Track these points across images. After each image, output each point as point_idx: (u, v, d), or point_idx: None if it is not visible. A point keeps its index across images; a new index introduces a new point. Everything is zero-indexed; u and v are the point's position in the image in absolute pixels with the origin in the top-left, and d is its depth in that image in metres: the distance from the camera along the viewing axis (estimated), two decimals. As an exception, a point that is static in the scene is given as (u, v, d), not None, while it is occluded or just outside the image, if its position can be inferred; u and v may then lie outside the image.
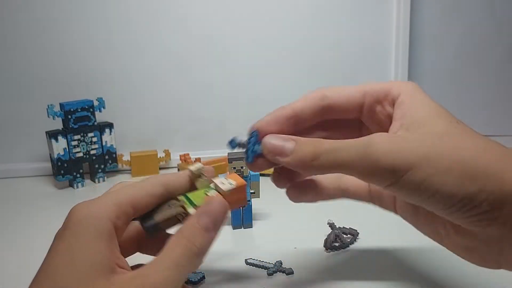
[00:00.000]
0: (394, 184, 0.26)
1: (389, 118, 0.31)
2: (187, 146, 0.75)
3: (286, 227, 0.50)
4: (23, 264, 0.43)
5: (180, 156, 0.69)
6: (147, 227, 0.30)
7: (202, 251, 0.28)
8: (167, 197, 0.31)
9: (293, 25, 0.76)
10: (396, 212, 0.34)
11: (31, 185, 0.68)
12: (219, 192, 0.32)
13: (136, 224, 0.32)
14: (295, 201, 0.35)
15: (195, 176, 0.32)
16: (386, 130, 0.31)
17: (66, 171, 0.65)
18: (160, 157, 0.71)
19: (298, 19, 0.76)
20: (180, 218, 0.30)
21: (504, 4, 0.80)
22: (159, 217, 0.30)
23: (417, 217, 0.32)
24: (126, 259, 0.28)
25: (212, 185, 0.32)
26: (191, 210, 0.30)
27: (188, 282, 0.38)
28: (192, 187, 0.32)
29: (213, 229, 0.29)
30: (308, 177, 0.36)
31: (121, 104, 0.73)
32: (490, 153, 0.26)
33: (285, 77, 0.77)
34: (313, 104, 0.33)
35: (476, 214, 0.25)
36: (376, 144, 0.26)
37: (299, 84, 0.78)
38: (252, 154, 0.31)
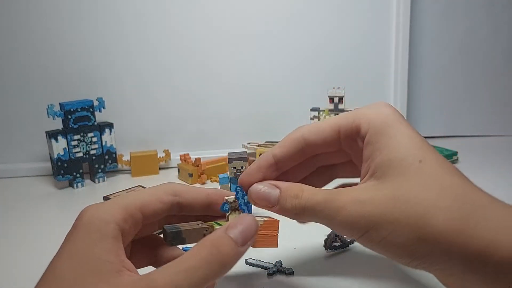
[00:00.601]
0: (360, 239, 0.29)
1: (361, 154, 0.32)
2: (187, 146, 0.75)
3: (286, 227, 0.50)
4: (23, 264, 0.43)
5: (180, 156, 0.69)
6: (170, 232, 0.30)
7: (226, 261, 0.26)
8: (179, 207, 0.31)
9: (293, 25, 0.76)
10: None
11: (31, 185, 0.67)
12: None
13: (154, 236, 0.33)
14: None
15: (232, 208, 0.33)
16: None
17: (66, 171, 0.65)
18: (160, 157, 0.71)
19: (298, 19, 0.76)
20: (206, 233, 0.30)
21: (504, 4, 0.80)
22: (184, 226, 0.30)
23: None
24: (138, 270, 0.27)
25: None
26: (216, 226, 0.30)
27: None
28: (212, 209, 0.33)
29: (241, 242, 0.27)
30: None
31: (121, 104, 0.73)
32: (439, 207, 0.26)
33: (285, 77, 0.77)
34: (292, 148, 0.34)
35: (428, 269, 0.27)
36: (342, 207, 0.28)
37: (299, 84, 0.78)
38: (246, 206, 0.33)
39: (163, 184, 0.32)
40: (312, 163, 0.36)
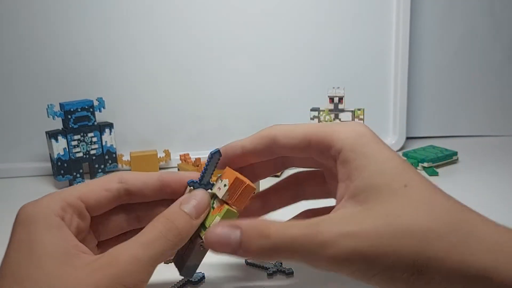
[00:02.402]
0: (349, 275, 0.26)
1: (335, 170, 0.30)
2: (187, 146, 0.75)
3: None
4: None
5: (180, 156, 0.69)
6: (184, 275, 0.32)
7: (181, 233, 0.28)
8: (127, 194, 0.32)
9: (293, 25, 0.76)
10: None
11: (31, 185, 0.68)
12: (223, 201, 0.31)
13: (118, 218, 0.33)
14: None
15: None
16: (335, 175, 0.30)
17: (66, 171, 0.65)
18: (160, 157, 0.71)
19: (298, 19, 0.76)
20: (202, 246, 0.30)
21: (504, 4, 0.80)
22: (189, 261, 0.31)
23: None
24: None
25: (214, 195, 0.32)
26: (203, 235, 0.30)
27: (188, 282, 0.38)
28: (166, 192, 0.33)
29: (195, 215, 0.29)
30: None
31: (121, 104, 0.73)
32: (438, 234, 0.25)
33: (285, 77, 0.77)
34: (261, 145, 0.33)
35: None
36: (329, 243, 0.25)
37: (299, 84, 0.78)
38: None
39: (109, 174, 0.32)
40: (281, 164, 0.36)
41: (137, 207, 0.34)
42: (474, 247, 0.24)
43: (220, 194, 0.30)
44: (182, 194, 0.32)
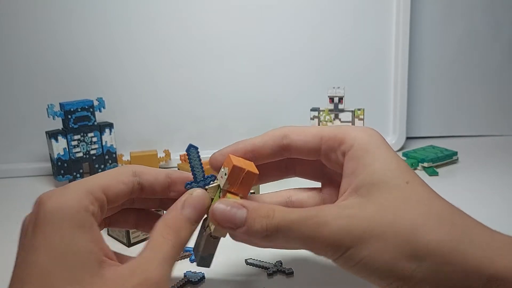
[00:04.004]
0: (338, 259, 0.27)
1: (338, 169, 0.31)
2: (187, 146, 0.75)
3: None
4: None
5: (180, 156, 0.69)
6: (201, 265, 0.32)
7: (186, 243, 0.28)
8: (140, 189, 0.31)
9: (293, 25, 0.76)
10: None
11: (31, 185, 0.67)
12: (225, 190, 0.30)
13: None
14: None
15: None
16: (340, 176, 0.31)
17: (66, 171, 0.65)
18: (160, 157, 0.71)
19: (298, 19, 0.76)
20: (213, 236, 0.31)
21: (504, 4, 0.80)
22: (202, 252, 0.32)
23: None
24: None
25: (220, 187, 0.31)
26: (212, 226, 0.30)
27: (188, 282, 0.38)
28: (172, 190, 0.32)
29: (195, 220, 0.29)
30: None
31: (121, 104, 0.73)
32: (430, 225, 0.26)
33: (285, 77, 0.77)
34: (273, 141, 0.33)
35: None
36: (324, 223, 0.26)
37: (299, 84, 0.78)
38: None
39: (123, 166, 0.31)
40: (286, 169, 0.36)
41: (138, 202, 0.34)
42: (468, 243, 0.25)
43: (222, 183, 0.30)
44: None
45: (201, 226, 0.32)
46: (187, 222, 0.28)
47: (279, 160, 0.34)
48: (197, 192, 0.30)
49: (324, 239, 0.26)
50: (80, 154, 0.66)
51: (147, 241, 0.27)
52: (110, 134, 0.68)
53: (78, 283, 0.23)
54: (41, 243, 0.24)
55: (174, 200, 0.30)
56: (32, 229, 0.25)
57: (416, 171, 0.59)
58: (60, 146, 0.64)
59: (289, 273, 0.39)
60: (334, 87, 0.68)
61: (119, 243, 0.46)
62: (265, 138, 0.33)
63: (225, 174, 0.30)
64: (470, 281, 0.25)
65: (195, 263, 0.39)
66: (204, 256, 0.32)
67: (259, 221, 0.27)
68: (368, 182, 0.28)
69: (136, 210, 0.35)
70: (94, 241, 0.25)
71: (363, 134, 0.31)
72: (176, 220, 0.28)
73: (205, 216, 0.31)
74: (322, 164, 0.34)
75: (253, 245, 0.29)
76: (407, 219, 0.26)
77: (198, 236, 0.32)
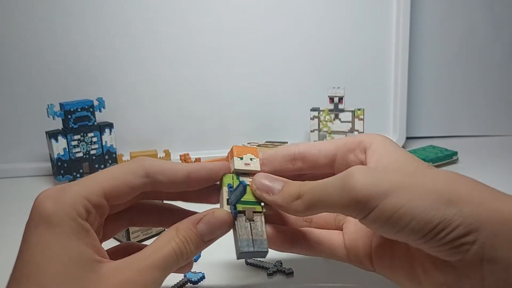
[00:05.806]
0: (370, 214, 0.26)
1: (362, 164, 0.33)
2: (187, 146, 0.75)
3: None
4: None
5: (180, 156, 0.69)
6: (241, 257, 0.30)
7: (189, 257, 0.28)
8: (152, 187, 0.29)
9: (293, 25, 0.76)
10: (373, 269, 0.33)
11: (31, 185, 0.67)
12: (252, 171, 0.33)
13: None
14: (281, 250, 0.34)
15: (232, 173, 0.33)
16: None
17: (66, 171, 0.65)
18: (160, 157, 0.71)
19: (298, 19, 0.76)
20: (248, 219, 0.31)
21: (504, 3, 0.80)
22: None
23: (392, 265, 0.31)
24: None
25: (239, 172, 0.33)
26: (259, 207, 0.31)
27: (188, 282, 0.38)
28: (191, 186, 0.31)
29: (208, 240, 0.29)
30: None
31: (121, 104, 0.73)
32: (462, 184, 0.26)
33: (285, 77, 0.77)
34: (285, 153, 0.34)
35: (452, 239, 0.24)
36: (353, 175, 0.26)
37: (299, 84, 0.78)
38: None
39: (135, 162, 0.29)
40: None
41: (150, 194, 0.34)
42: (501, 195, 0.26)
43: (255, 167, 0.33)
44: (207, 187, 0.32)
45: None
46: (198, 236, 0.28)
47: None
48: (220, 213, 0.29)
49: (352, 193, 0.26)
50: (80, 154, 0.66)
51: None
52: (110, 134, 0.68)
53: (73, 280, 0.24)
54: (36, 243, 0.25)
55: (195, 192, 0.32)
56: (29, 230, 0.26)
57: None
58: (60, 146, 0.64)
59: (289, 273, 0.39)
60: (334, 87, 0.68)
61: (119, 243, 0.46)
62: (275, 152, 0.34)
63: (251, 159, 0.33)
64: (507, 230, 0.24)
65: (195, 263, 0.39)
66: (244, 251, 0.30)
67: (293, 188, 0.29)
68: (391, 163, 0.30)
69: (159, 208, 0.34)
70: (89, 244, 0.26)
71: (378, 136, 0.33)
72: (187, 230, 0.28)
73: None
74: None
75: (287, 212, 0.30)
76: (438, 179, 0.27)
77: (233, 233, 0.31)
